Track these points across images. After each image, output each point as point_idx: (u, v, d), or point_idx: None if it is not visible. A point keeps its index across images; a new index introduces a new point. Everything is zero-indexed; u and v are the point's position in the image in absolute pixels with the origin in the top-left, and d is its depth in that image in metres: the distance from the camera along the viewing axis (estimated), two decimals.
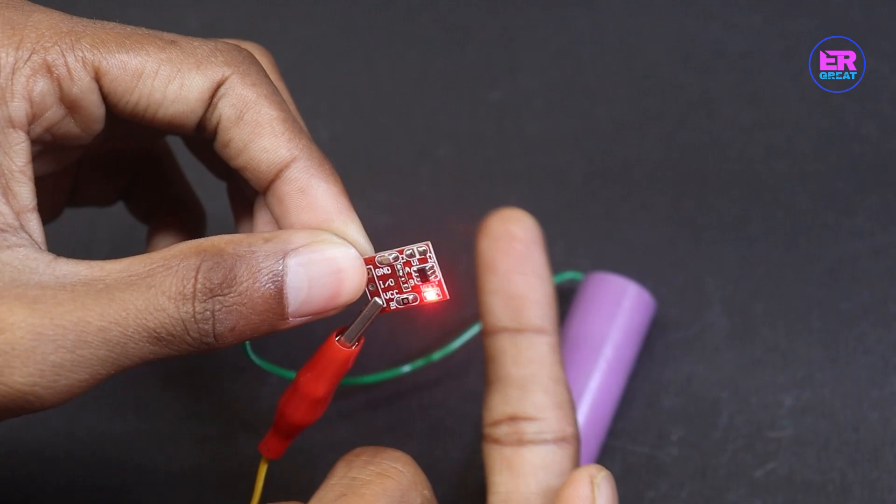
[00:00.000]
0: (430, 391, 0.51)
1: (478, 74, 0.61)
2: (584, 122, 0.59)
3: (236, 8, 0.65)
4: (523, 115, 0.60)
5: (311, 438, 0.50)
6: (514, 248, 0.36)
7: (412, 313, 0.53)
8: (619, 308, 0.49)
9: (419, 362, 0.49)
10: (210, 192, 0.45)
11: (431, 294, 0.34)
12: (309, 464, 0.50)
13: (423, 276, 0.34)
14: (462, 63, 0.62)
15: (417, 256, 0.34)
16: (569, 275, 0.52)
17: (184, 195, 0.44)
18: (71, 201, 0.41)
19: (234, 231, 0.40)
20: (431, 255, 0.34)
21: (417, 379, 0.51)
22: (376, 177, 0.58)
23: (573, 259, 0.54)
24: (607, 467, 0.48)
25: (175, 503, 0.49)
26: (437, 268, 0.34)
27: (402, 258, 0.34)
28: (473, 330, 0.50)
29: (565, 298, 0.52)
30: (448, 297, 0.34)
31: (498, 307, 0.37)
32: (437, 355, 0.49)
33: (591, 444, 0.47)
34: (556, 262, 0.54)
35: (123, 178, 0.43)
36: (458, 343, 0.50)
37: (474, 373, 0.51)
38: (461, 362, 0.51)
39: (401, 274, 0.34)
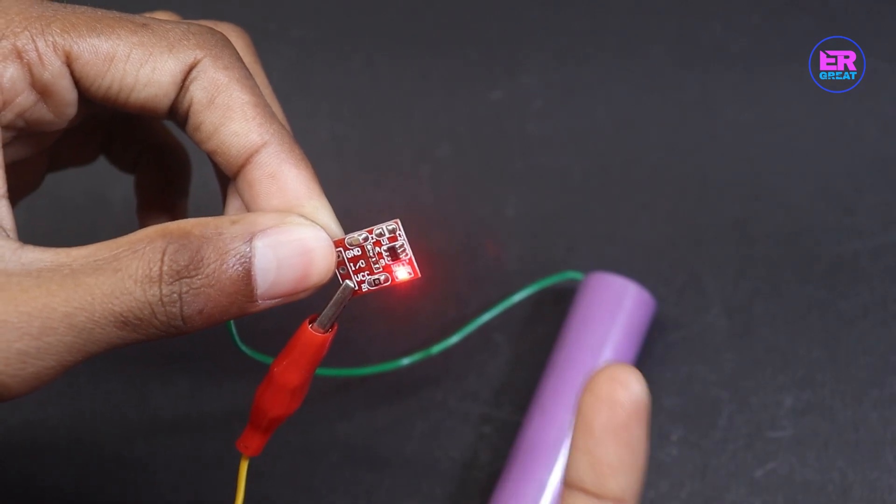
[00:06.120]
0: (429, 390, 0.51)
1: (478, 74, 0.61)
2: (584, 122, 0.59)
3: (236, 8, 0.65)
4: (523, 115, 0.60)
5: (311, 438, 0.50)
6: (616, 414, 0.32)
7: (406, 308, 0.53)
8: (619, 308, 0.49)
9: (418, 355, 0.49)
10: (197, 170, 0.44)
11: (403, 273, 0.34)
12: (309, 464, 0.50)
13: (394, 254, 0.34)
14: (462, 63, 0.62)
15: (387, 235, 0.33)
16: (569, 275, 0.52)
17: (163, 140, 0.43)
18: (50, 167, 0.41)
19: (221, 203, 0.39)
20: (401, 232, 0.33)
21: (417, 378, 0.51)
22: (376, 177, 0.58)
23: (573, 259, 0.54)
24: None
25: (175, 502, 0.49)
26: (407, 246, 0.33)
27: (372, 238, 0.33)
28: (472, 326, 0.50)
29: (565, 298, 0.52)
30: (419, 275, 0.34)
31: (583, 467, 0.33)
32: (436, 349, 0.49)
33: None
34: (556, 262, 0.54)
35: (101, 135, 0.43)
36: (456, 338, 0.50)
37: (474, 373, 0.51)
38: (461, 362, 0.51)
39: (371, 254, 0.34)
